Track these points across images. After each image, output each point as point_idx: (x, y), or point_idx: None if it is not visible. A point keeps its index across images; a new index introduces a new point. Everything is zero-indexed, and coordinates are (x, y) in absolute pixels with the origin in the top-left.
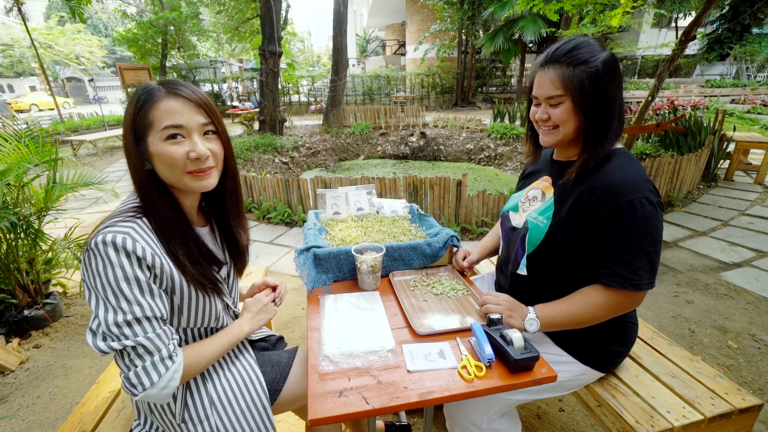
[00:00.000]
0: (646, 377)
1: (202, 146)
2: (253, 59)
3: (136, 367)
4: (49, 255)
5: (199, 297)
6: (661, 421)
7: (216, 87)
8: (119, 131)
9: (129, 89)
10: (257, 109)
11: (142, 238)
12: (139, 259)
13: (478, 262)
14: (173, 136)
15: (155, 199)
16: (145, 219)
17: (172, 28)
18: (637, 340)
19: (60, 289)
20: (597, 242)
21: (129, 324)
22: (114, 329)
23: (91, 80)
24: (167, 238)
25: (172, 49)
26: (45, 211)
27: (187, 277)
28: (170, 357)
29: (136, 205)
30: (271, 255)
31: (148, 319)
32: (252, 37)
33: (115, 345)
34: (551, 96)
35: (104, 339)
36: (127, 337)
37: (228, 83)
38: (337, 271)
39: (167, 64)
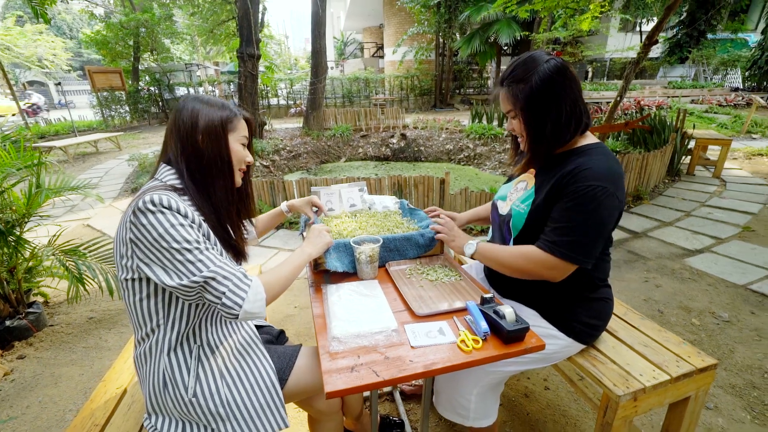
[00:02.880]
0: (621, 347)
1: (251, 157)
2: (230, 62)
3: (224, 294)
4: (30, 263)
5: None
6: (634, 383)
7: (192, 91)
8: (92, 137)
9: (100, 93)
10: None
11: (182, 202)
12: (183, 215)
13: (467, 222)
14: (243, 144)
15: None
16: (176, 194)
17: (143, 30)
18: (613, 316)
19: (41, 299)
20: (551, 213)
21: (198, 259)
22: (188, 266)
23: (59, 84)
24: (208, 195)
25: (145, 52)
26: (27, 217)
27: (218, 236)
28: (246, 276)
29: (167, 185)
30: (259, 257)
31: (208, 250)
32: (228, 40)
33: (196, 278)
34: (507, 112)
35: (180, 278)
36: (201, 270)
37: (204, 87)
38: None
39: (140, 68)
